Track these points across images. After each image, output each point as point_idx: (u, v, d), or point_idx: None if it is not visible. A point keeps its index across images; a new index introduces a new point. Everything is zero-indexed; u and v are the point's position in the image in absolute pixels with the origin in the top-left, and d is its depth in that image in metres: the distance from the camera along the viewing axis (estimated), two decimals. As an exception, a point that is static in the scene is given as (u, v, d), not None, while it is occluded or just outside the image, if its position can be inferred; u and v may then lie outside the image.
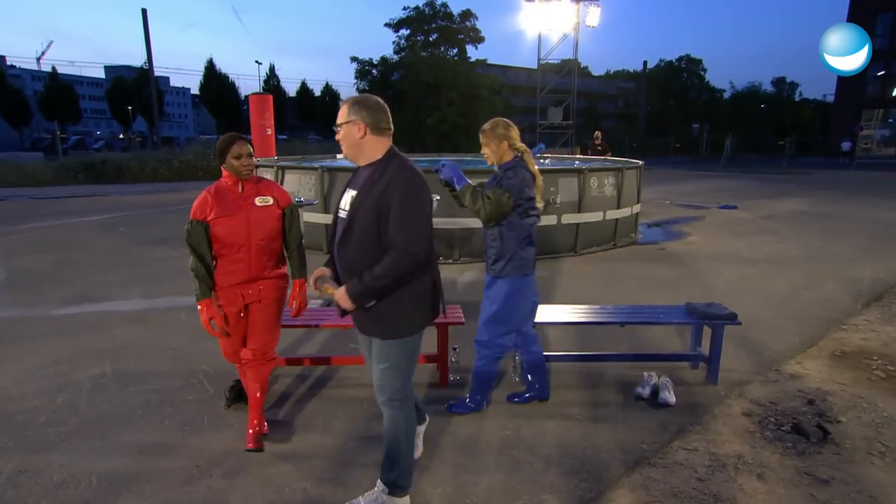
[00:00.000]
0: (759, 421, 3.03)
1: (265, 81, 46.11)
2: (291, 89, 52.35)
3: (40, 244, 8.27)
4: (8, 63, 71.05)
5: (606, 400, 3.36)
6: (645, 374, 3.47)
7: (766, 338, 4.29)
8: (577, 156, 16.42)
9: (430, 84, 26.57)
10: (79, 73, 78.50)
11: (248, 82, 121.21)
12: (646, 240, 8.83)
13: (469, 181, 2.92)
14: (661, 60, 62.11)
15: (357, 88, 33.19)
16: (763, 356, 3.95)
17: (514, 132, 2.91)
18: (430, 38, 29.06)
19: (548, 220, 7.34)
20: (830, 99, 47.95)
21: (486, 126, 2.94)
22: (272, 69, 46.40)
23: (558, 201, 7.32)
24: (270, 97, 15.18)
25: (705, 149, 42.07)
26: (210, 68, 45.66)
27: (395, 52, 29.31)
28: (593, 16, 25.94)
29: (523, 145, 2.96)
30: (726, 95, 63.43)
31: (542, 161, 12.01)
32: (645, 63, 47.43)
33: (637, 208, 8.97)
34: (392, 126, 2.18)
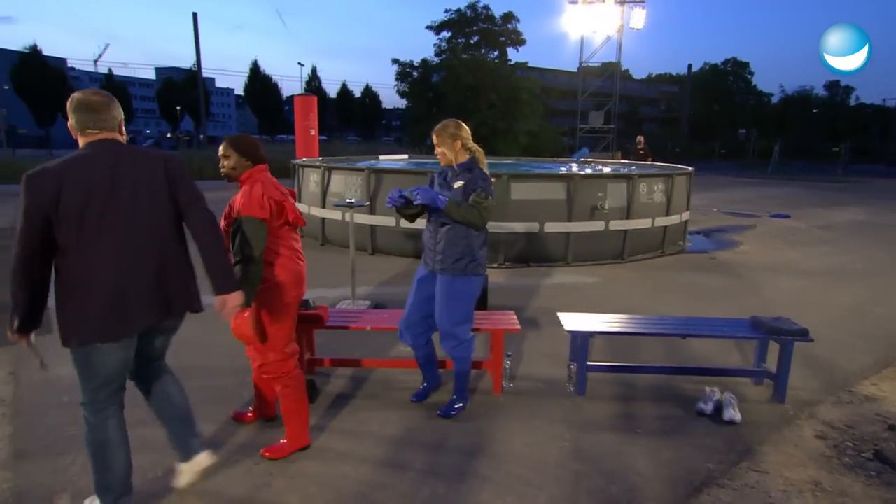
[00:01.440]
0: (834, 445, 2.87)
1: (307, 83, 47.04)
2: (332, 90, 53.23)
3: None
4: (69, 65, 74.81)
5: (666, 414, 3.24)
6: (707, 389, 3.33)
7: (835, 356, 4.07)
8: (618, 160, 16.14)
9: (471, 86, 26.53)
10: (132, 75, 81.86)
11: (289, 84, 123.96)
12: (695, 248, 8.56)
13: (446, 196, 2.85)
14: (705, 63, 60.52)
15: (397, 90, 33.47)
16: (833, 376, 3.74)
17: (466, 132, 2.95)
18: (472, 41, 29.05)
19: (595, 227, 7.21)
20: (891, 103, 45.69)
21: (438, 127, 2.97)
22: (314, 71, 47.35)
23: (606, 207, 7.17)
24: (315, 98, 15.43)
25: (751, 154, 40.69)
26: (255, 70, 46.92)
27: (436, 55, 29.44)
28: (638, 18, 25.47)
29: (475, 145, 3.00)
30: (775, 100, 61.27)
31: (586, 166, 11.83)
32: (689, 66, 46.28)
33: (686, 215, 8.71)
34: None
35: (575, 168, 10.80)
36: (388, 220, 7.08)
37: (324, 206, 7.87)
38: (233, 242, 2.45)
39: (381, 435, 2.97)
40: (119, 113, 2.13)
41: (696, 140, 48.61)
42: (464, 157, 2.95)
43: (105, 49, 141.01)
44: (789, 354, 3.27)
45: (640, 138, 13.77)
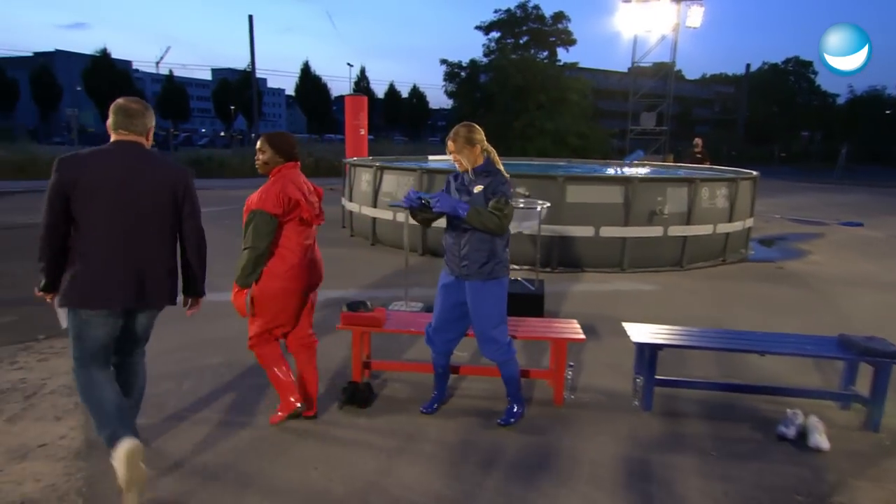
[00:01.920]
0: (942, 482, 2.59)
1: (356, 83, 47.77)
2: (380, 91, 53.87)
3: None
4: (133, 67, 78.78)
5: (742, 436, 3.02)
6: (788, 411, 3.09)
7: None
8: (670, 163, 15.58)
9: (519, 87, 26.26)
10: (190, 76, 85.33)
11: (338, 84, 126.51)
12: (759, 257, 8.12)
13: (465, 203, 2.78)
14: (764, 63, 57.83)
15: (445, 91, 33.55)
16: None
17: (480, 134, 2.88)
18: (521, 41, 28.76)
19: (653, 232, 6.93)
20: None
21: (451, 134, 2.89)
22: (363, 71, 48.05)
23: (666, 212, 6.87)
24: (365, 99, 15.59)
25: (815, 158, 38.63)
26: (305, 70, 48.03)
27: (485, 55, 29.30)
28: (695, 16, 24.53)
29: (489, 145, 2.92)
30: (841, 100, 57.92)
31: (641, 169, 11.46)
32: (748, 66, 44.29)
33: (750, 222, 8.28)
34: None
35: (628, 171, 10.46)
36: (440, 221, 7.01)
37: (375, 206, 7.89)
38: (245, 230, 2.70)
39: (439, 441, 2.89)
40: (150, 121, 2.43)
41: (752, 143, 46.51)
42: (480, 160, 2.87)
43: (166, 51, 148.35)
44: (886, 378, 2.99)
45: (698, 141, 13.22)
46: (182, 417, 3.08)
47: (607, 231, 6.84)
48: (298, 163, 2.87)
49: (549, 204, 4.96)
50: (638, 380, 3.32)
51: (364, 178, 8.24)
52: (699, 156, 12.90)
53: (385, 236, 7.93)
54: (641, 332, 3.35)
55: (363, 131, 15.40)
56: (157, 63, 79.79)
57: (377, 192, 7.87)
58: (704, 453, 2.83)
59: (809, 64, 56.69)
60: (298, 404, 2.96)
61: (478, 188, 2.83)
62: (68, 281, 2.31)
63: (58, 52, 56.64)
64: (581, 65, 31.26)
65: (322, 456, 2.72)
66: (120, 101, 2.41)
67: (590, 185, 7.07)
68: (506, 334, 2.97)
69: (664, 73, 28.27)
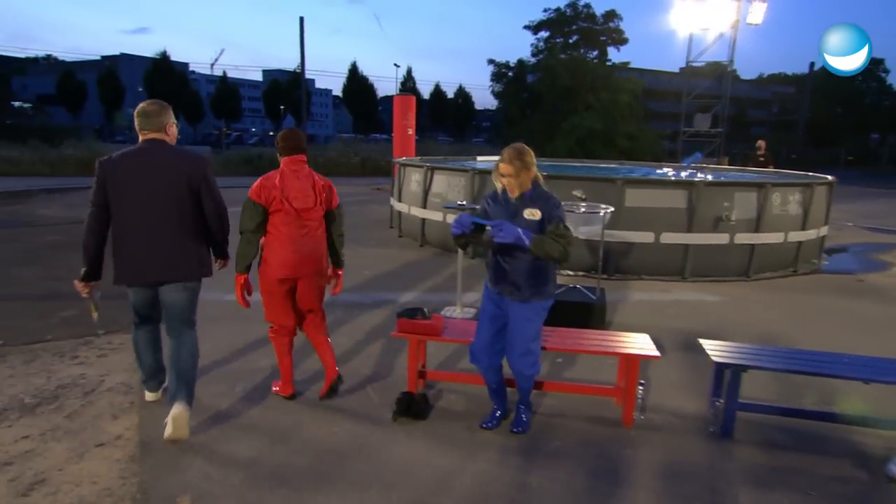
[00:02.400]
0: None
1: (402, 84, 48.07)
2: (425, 91, 54.08)
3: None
4: (190, 69, 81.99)
5: (843, 474, 2.69)
6: (896, 447, 2.74)
7: None
8: (725, 166, 14.86)
9: (568, 87, 25.71)
10: (241, 77, 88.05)
11: (384, 85, 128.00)
12: (833, 268, 7.54)
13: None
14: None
15: (492, 91, 33.32)
16: None
17: (533, 156, 2.76)
18: (570, 41, 28.17)
19: (718, 239, 6.51)
20: None
21: (510, 154, 2.71)
22: (409, 72, 48.21)
23: (733, 218, 6.44)
24: (413, 98, 15.51)
25: (886, 162, 36.24)
26: (353, 71, 48.69)
27: (533, 55, 28.87)
28: (757, 12, 23.31)
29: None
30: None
31: (698, 172, 10.94)
32: (811, 64, 41.95)
33: (824, 230, 7.71)
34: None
35: (685, 174, 9.97)
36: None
37: (425, 207, 7.76)
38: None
39: (499, 460, 2.69)
40: (167, 118, 2.79)
41: (813, 146, 44.12)
42: (529, 183, 2.76)
43: (220, 54, 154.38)
44: None
45: (761, 143, 12.53)
46: (234, 423, 3.00)
47: (668, 237, 6.47)
48: (296, 156, 3.01)
49: (612, 208, 4.69)
50: (718, 403, 3.04)
51: (414, 179, 8.13)
52: (762, 159, 12.22)
53: (434, 237, 7.80)
54: (722, 351, 3.06)
55: (411, 131, 15.35)
56: (212, 65, 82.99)
57: (427, 192, 7.74)
58: (801, 491, 2.53)
59: (881, 62, 53.37)
60: (277, 391, 3.30)
61: (533, 213, 2.72)
62: (116, 266, 2.77)
63: (122, 56, 59.47)
64: (631, 65, 30.37)
65: (378, 472, 2.58)
66: (139, 105, 2.80)
67: (651, 188, 6.73)
68: (540, 345, 2.89)
69: (719, 73, 27.12)
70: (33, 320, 4.52)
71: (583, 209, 4.64)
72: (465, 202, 4.95)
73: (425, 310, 3.34)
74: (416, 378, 3.29)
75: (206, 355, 3.27)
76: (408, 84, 46.06)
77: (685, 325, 4.84)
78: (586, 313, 4.42)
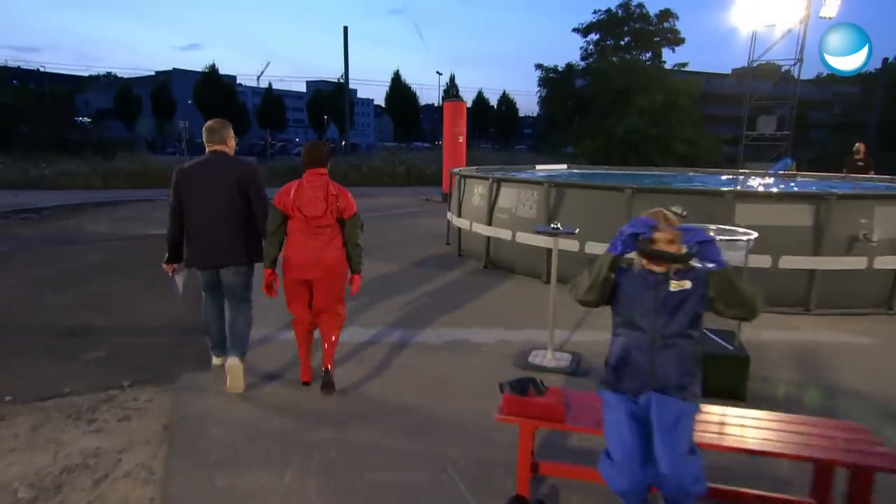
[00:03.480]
0: None
1: (445, 91, 47.51)
2: (468, 98, 53.42)
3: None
4: (237, 81, 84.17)
5: None
6: None
7: None
8: (792, 173, 13.44)
9: (621, 91, 24.43)
10: (287, 88, 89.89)
11: (426, 92, 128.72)
12: None
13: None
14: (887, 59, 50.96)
15: (539, 97, 32.31)
16: None
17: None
18: (622, 42, 26.83)
19: (853, 263, 5.35)
20: None
21: (667, 217, 2.19)
22: (452, 79, 47.64)
23: (874, 238, 5.27)
24: (464, 104, 14.77)
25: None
26: (396, 79, 48.44)
27: (583, 58, 27.65)
28: (832, 5, 21.50)
29: None
30: None
31: (789, 181, 9.65)
32: (885, 60, 39.02)
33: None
34: None
35: (770, 181, 8.74)
36: (571, 244, 5.87)
37: (490, 223, 6.86)
38: None
39: None
40: (227, 133, 3.42)
41: (886, 148, 40.91)
42: None
43: (266, 66, 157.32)
44: None
45: (860, 146, 11.12)
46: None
47: (789, 261, 5.36)
48: (314, 169, 3.21)
49: (755, 234, 3.67)
50: None
51: (477, 192, 7.26)
52: (861, 164, 10.83)
53: (501, 259, 6.89)
54: None
55: (462, 139, 14.55)
56: (258, 77, 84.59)
57: (493, 207, 6.85)
58: None
59: (956, 58, 49.31)
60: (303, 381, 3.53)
61: (679, 285, 2.15)
62: (187, 253, 3.41)
63: (174, 71, 61.41)
64: (690, 66, 28.73)
65: None
66: (206, 123, 3.41)
67: (768, 202, 5.62)
68: (700, 454, 2.01)
69: (777, 74, 25.24)
70: (53, 364, 3.86)
71: (717, 235, 3.63)
72: (558, 225, 4.02)
73: (539, 380, 2.43)
74: (528, 476, 2.38)
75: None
76: (451, 91, 45.42)
77: (853, 381, 3.77)
78: (723, 371, 3.41)
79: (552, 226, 4.00)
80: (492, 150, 41.61)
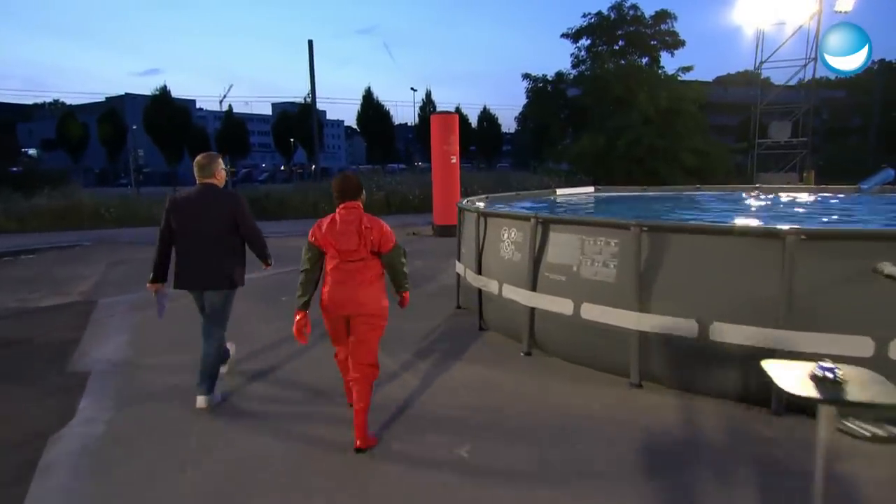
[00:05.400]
0: None
1: (421, 108, 45.78)
2: (444, 116, 51.76)
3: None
4: (197, 106, 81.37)
5: None
6: None
7: None
8: (811, 184, 11.79)
9: (621, 99, 22.72)
10: (252, 112, 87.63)
11: (400, 111, 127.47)
12: None
13: None
14: (875, 62, 51.09)
15: (522, 111, 30.39)
16: None
17: None
18: (616, 47, 25.27)
19: None
20: None
21: None
22: (429, 95, 46.01)
23: None
24: (456, 117, 12.60)
25: None
26: (368, 97, 46.56)
27: (574, 66, 25.95)
28: (847, -1, 20.28)
29: None
30: None
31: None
32: (881, 61, 38.55)
33: None
34: None
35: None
36: (689, 325, 3.64)
37: (534, 288, 4.59)
38: None
39: None
40: (216, 167, 3.87)
41: (885, 153, 40.34)
42: None
43: (228, 89, 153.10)
44: None
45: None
46: None
47: None
48: (347, 203, 3.21)
49: None
50: None
51: (508, 237, 4.99)
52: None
53: (555, 342, 4.60)
54: None
55: (455, 159, 12.34)
56: (221, 101, 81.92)
57: (538, 262, 4.59)
58: None
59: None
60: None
61: None
62: (175, 273, 3.80)
63: (126, 95, 58.29)
64: (696, 69, 27.16)
65: None
66: (196, 158, 3.89)
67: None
68: None
69: (748, 80, 23.89)
70: None
71: None
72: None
73: None
74: None
75: None
76: (428, 109, 43.64)
77: None
78: None
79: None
80: (474, 169, 39.69)
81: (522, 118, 48.13)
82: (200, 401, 3.70)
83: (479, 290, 5.42)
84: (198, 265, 3.72)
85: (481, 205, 6.10)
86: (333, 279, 3.16)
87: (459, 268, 6.14)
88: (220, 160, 3.90)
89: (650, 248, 3.89)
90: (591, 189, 9.84)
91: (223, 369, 4.16)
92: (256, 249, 3.92)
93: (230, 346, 4.29)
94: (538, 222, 4.59)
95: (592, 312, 4.14)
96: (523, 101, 29.38)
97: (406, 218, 16.85)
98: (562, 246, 4.42)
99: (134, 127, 41.91)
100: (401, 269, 3.25)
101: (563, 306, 4.33)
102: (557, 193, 9.18)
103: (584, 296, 4.20)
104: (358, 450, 3.09)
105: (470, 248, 5.67)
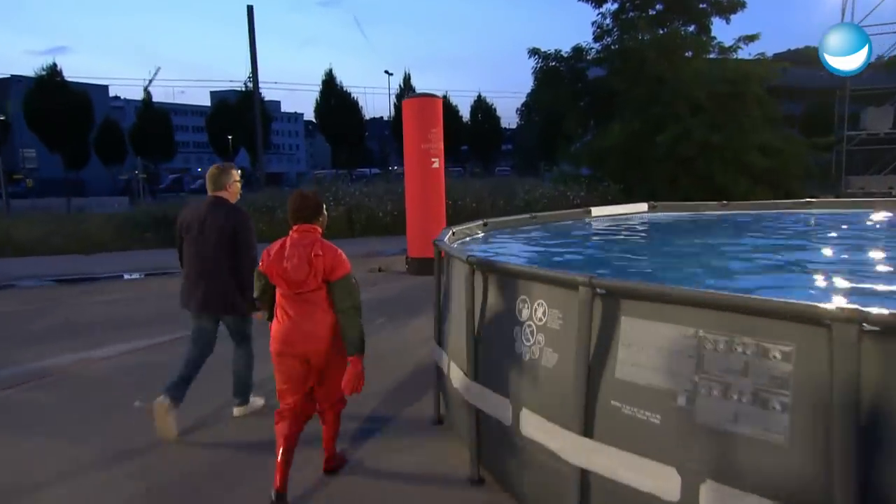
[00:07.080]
0: None
1: (397, 97, 44.32)
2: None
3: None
4: (112, 94, 79.55)
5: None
6: None
7: None
8: None
9: (661, 80, 21.21)
10: (182, 102, 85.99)
11: (374, 102, 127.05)
12: None
13: None
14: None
15: (527, 99, 28.90)
16: None
17: None
18: (651, 12, 23.86)
19: None
20: None
21: None
22: (407, 79, 44.63)
23: None
24: (440, 101, 10.86)
25: None
26: (328, 83, 45.02)
27: (596, 39, 24.46)
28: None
29: None
30: None
31: None
32: None
33: None
34: None
35: None
36: None
37: (590, 434, 2.74)
38: None
39: None
40: (227, 179, 4.47)
41: None
42: None
43: (155, 73, 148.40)
44: None
45: None
46: None
47: None
48: (300, 226, 3.42)
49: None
50: None
51: (531, 315, 3.17)
52: None
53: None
54: None
55: (437, 162, 10.53)
56: (146, 88, 79.95)
57: (597, 374, 2.75)
58: None
59: None
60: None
61: None
62: (180, 293, 4.52)
63: (13, 78, 55.79)
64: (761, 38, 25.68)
65: None
66: (209, 169, 4.55)
67: None
68: None
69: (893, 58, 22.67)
70: None
71: None
72: None
73: None
74: None
75: None
76: (406, 96, 42.30)
77: None
78: None
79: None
80: (466, 175, 37.99)
81: (527, 109, 46.72)
82: (237, 411, 4.60)
83: (476, 411, 3.57)
84: (196, 285, 4.35)
85: (479, 251, 4.30)
86: (283, 312, 3.34)
87: (439, 356, 4.31)
88: (235, 172, 4.52)
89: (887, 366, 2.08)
90: (643, 207, 8.10)
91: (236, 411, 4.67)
92: (241, 272, 4.29)
93: (259, 400, 4.78)
94: (594, 292, 2.76)
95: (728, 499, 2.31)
96: (528, 87, 27.99)
97: (373, 244, 15.03)
98: (649, 346, 2.60)
99: (2, 117, 39.90)
100: (348, 303, 3.30)
101: (658, 477, 2.50)
102: (593, 214, 7.46)
103: (702, 459, 2.37)
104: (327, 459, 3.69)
105: (458, 322, 3.85)
